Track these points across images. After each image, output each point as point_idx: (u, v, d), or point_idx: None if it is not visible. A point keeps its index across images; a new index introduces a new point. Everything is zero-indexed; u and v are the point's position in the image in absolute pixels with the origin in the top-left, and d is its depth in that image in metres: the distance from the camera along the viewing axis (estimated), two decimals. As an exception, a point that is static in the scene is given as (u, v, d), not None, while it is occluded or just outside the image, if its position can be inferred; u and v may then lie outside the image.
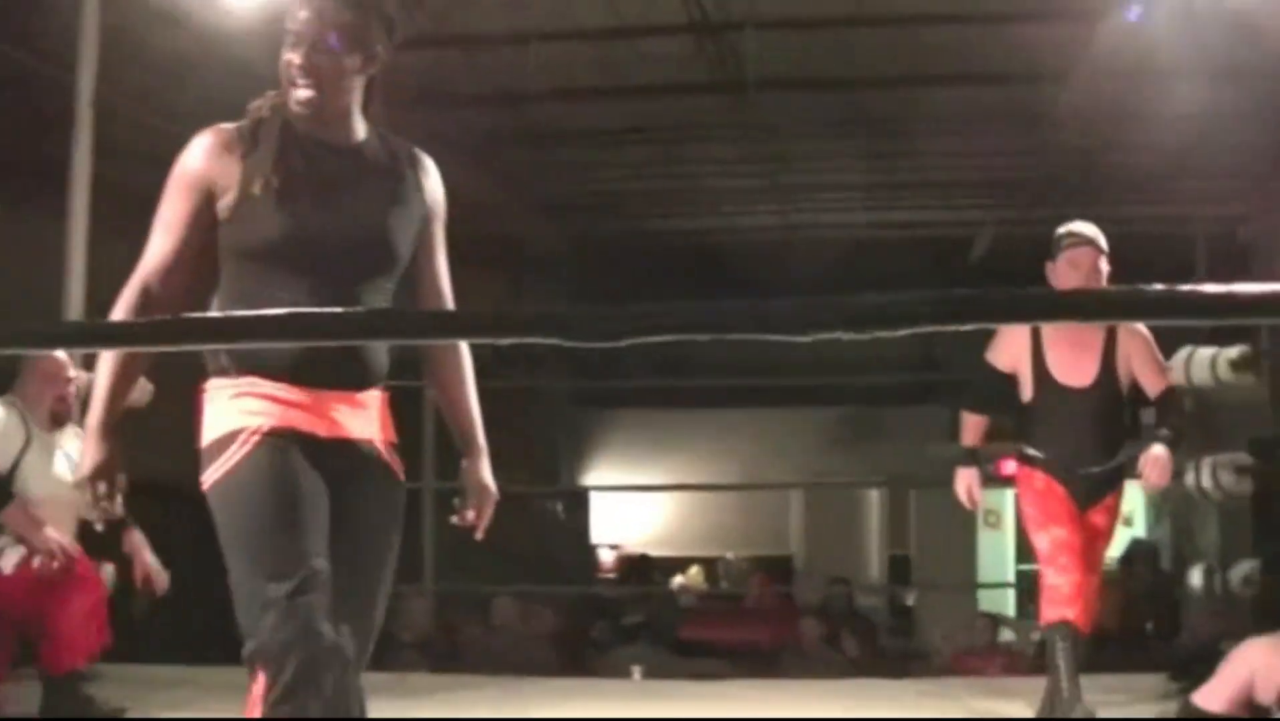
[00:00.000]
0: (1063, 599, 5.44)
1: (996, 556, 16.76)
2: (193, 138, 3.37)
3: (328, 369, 3.25)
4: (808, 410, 16.33)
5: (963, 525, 16.55)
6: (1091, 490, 5.69)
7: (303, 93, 3.29)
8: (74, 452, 5.91)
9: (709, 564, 15.95)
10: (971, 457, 5.93)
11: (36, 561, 5.72)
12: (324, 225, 3.28)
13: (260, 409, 3.24)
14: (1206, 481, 8.15)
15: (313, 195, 3.29)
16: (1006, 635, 11.90)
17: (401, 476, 3.40)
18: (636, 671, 9.80)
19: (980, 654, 10.10)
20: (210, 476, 3.25)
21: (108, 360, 3.29)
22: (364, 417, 3.34)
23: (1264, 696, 5.12)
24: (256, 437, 3.22)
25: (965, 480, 5.91)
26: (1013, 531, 17.02)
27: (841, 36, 9.75)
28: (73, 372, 5.96)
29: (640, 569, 15.18)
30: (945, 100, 10.55)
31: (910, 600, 16.45)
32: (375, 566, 3.30)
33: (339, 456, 3.28)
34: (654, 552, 16.21)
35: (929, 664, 10.97)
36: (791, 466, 16.36)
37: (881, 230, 14.46)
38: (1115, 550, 13.39)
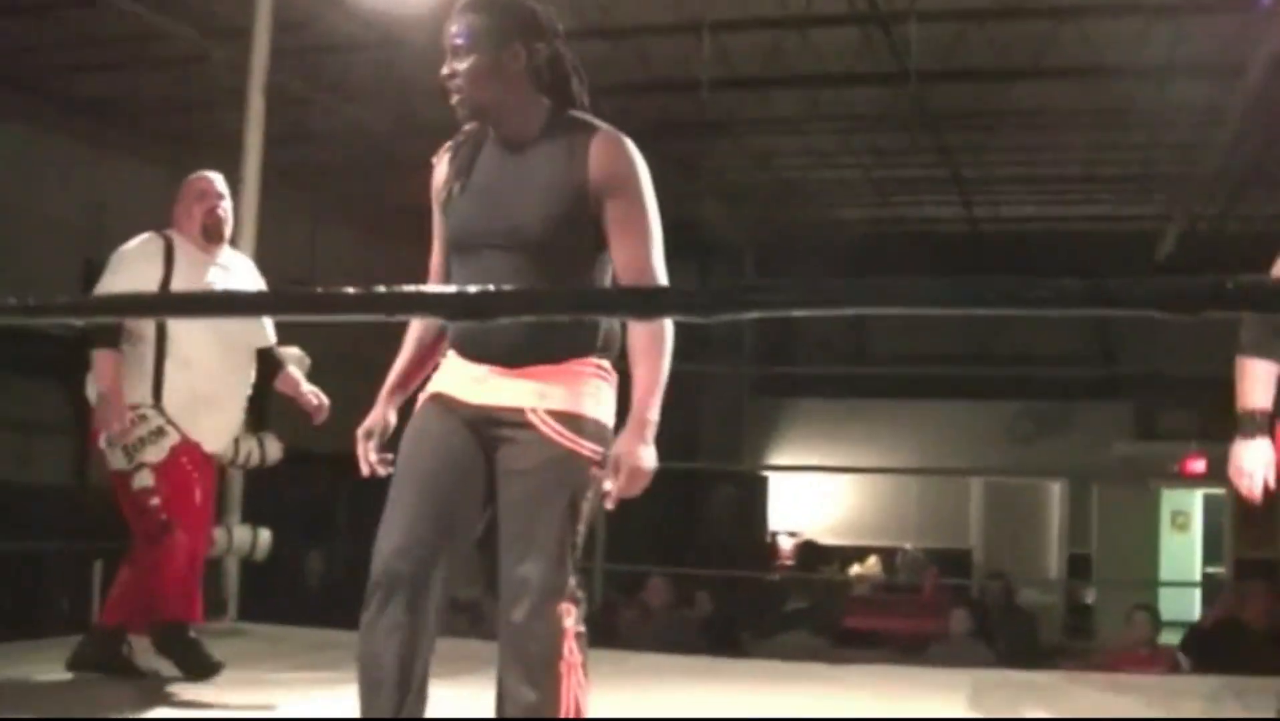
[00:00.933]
0: None
1: (1182, 560, 16.41)
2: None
3: (482, 344, 3.55)
4: (991, 403, 16.17)
5: (1146, 525, 16.29)
6: None
7: (453, 99, 3.56)
8: (235, 268, 5.80)
9: (887, 555, 15.88)
10: (1257, 424, 4.18)
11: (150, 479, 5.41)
12: (477, 220, 3.56)
13: (437, 377, 3.68)
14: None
15: (477, 194, 3.59)
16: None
17: (560, 440, 3.51)
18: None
19: (1136, 653, 9.88)
20: None
21: (407, 333, 3.79)
22: (518, 388, 3.54)
23: None
24: (420, 403, 3.68)
25: (1251, 459, 4.16)
26: (1200, 535, 16.69)
27: (1009, 28, 9.72)
28: (223, 189, 5.75)
29: (812, 556, 15.19)
30: (1115, 93, 10.43)
31: (1089, 599, 16.23)
32: (517, 519, 3.52)
33: (487, 421, 3.57)
34: (833, 542, 16.22)
35: (1084, 662, 10.80)
36: (973, 459, 16.24)
37: (1062, 223, 14.30)
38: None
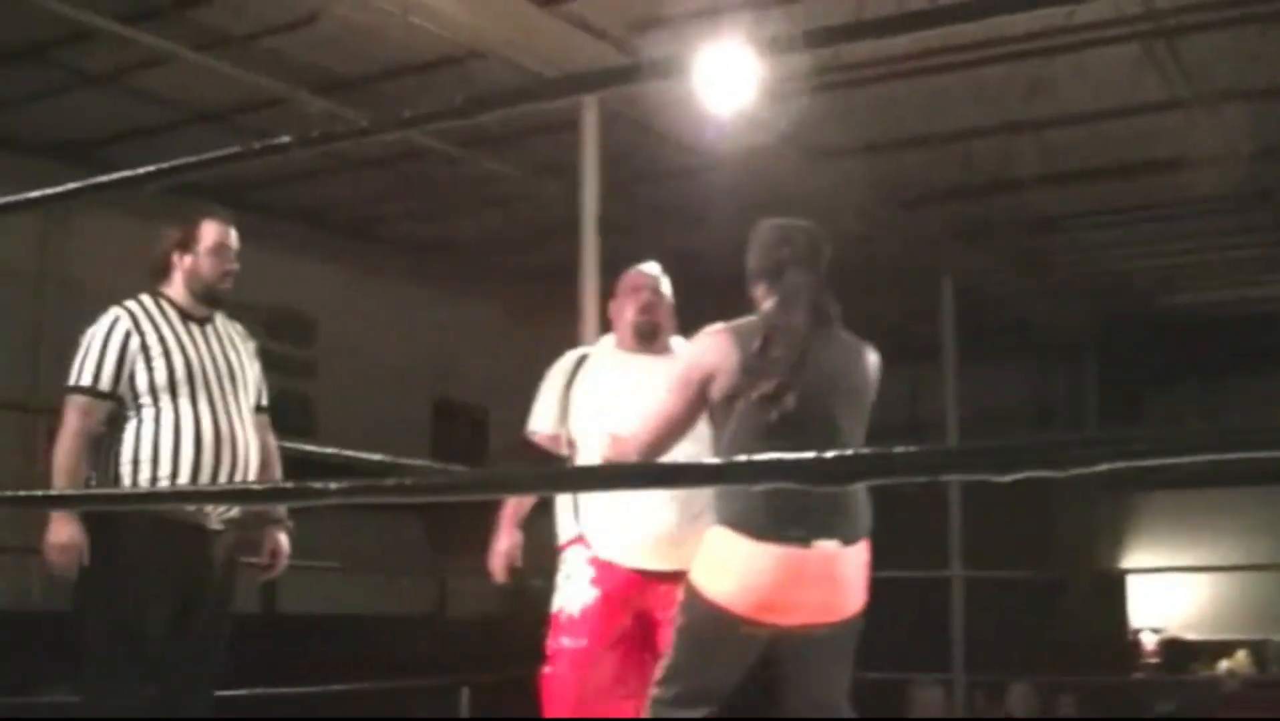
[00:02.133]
0: None
1: None
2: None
3: None
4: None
5: None
6: None
7: None
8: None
9: (1257, 647, 15.21)
10: None
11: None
12: None
13: None
14: None
15: None
16: None
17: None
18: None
19: None
20: None
21: None
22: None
23: None
24: None
25: None
26: None
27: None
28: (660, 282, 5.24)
29: (1178, 654, 14.68)
30: None
31: None
32: None
33: None
34: (1196, 637, 15.61)
35: None
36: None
37: None
38: None
